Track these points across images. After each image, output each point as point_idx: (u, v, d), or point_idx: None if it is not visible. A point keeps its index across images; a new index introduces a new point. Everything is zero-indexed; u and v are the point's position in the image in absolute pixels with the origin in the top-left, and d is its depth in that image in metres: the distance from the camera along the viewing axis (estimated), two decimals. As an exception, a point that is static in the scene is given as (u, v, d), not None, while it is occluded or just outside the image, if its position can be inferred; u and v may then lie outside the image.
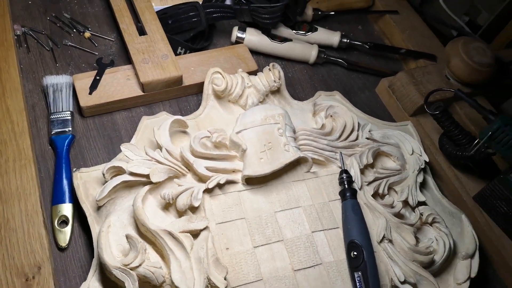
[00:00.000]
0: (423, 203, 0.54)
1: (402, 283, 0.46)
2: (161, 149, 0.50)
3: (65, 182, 0.51)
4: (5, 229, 0.46)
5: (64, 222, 0.49)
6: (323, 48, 0.70)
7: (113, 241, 0.45)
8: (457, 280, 0.50)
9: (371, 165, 0.56)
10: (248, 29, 0.67)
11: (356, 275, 0.44)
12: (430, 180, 0.58)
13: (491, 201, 0.55)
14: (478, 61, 0.61)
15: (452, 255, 0.51)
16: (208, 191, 0.49)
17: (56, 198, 0.50)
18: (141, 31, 0.62)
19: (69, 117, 0.56)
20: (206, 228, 0.45)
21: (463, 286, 0.49)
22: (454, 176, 0.59)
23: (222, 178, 0.49)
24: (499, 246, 0.54)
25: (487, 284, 0.54)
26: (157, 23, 0.63)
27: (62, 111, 0.56)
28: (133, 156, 0.49)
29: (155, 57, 0.59)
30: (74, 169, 0.51)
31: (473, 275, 0.50)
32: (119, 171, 0.48)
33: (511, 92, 0.74)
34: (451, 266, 0.51)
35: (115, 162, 0.49)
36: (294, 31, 0.70)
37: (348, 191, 0.50)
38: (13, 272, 0.44)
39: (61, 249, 0.48)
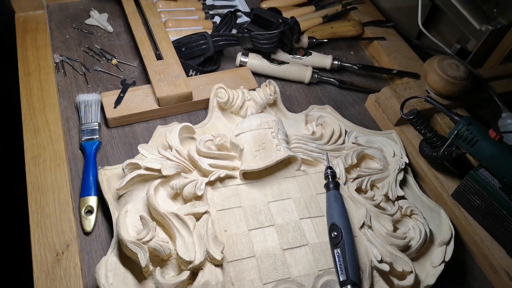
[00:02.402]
0: (402, 198, 0.61)
1: (379, 262, 0.52)
2: (171, 149, 0.59)
3: (91, 179, 0.60)
4: (41, 214, 0.55)
5: (89, 211, 0.58)
6: (317, 69, 0.79)
7: (129, 223, 0.53)
8: (433, 264, 0.55)
9: (356, 166, 0.63)
10: (250, 54, 0.78)
11: (335, 252, 0.50)
12: (411, 180, 0.65)
13: (466, 196, 0.60)
14: (452, 75, 0.68)
15: (428, 242, 0.57)
16: (210, 183, 0.57)
17: (84, 192, 0.59)
18: (159, 57, 0.74)
19: (97, 127, 0.66)
20: (207, 212, 0.53)
21: (438, 269, 0.54)
22: (434, 176, 0.66)
23: (222, 172, 0.58)
24: (475, 238, 0.60)
25: (467, 272, 0.59)
26: (172, 50, 0.74)
27: (91, 122, 0.66)
28: (147, 154, 0.58)
29: (169, 77, 0.70)
30: (99, 167, 0.60)
31: (447, 259, 0.55)
32: (136, 167, 0.58)
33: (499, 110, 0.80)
34: (429, 253, 0.57)
35: (133, 160, 0.58)
36: (291, 55, 0.80)
37: (331, 183, 0.57)
38: (46, 248, 0.52)
39: (86, 233, 0.56)
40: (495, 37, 0.88)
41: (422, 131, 0.64)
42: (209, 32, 0.79)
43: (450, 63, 0.70)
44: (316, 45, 0.85)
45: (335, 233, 0.52)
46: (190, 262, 0.48)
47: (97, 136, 0.65)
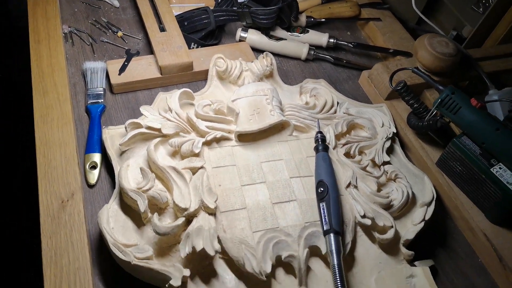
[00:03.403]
0: (388, 163, 0.64)
1: (362, 217, 0.56)
2: (171, 112, 0.63)
3: (96, 137, 0.64)
4: (48, 166, 0.59)
5: (93, 167, 0.62)
6: (314, 47, 0.83)
7: (130, 176, 0.57)
8: (413, 222, 0.58)
9: (346, 134, 0.67)
10: (250, 30, 0.81)
11: (321, 205, 0.54)
12: (398, 149, 0.68)
13: (448, 163, 0.64)
14: (441, 51, 0.71)
15: (410, 203, 0.60)
16: (207, 143, 0.61)
17: (88, 149, 0.63)
18: (162, 30, 0.77)
19: (102, 92, 0.70)
20: (202, 167, 0.57)
21: (418, 226, 0.57)
22: (420, 146, 0.69)
23: (218, 133, 0.61)
24: (457, 203, 0.63)
25: (448, 234, 0.62)
26: (175, 23, 0.78)
27: (97, 88, 0.70)
28: (149, 114, 0.62)
29: (171, 48, 0.73)
30: (103, 127, 0.64)
31: (427, 217, 0.58)
32: (138, 126, 0.61)
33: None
34: (410, 213, 0.60)
35: (135, 119, 0.62)
36: (289, 33, 0.83)
37: (320, 146, 0.61)
38: (53, 196, 0.56)
39: (90, 186, 0.60)
40: (489, 23, 0.91)
41: (410, 102, 0.67)
42: (212, 7, 0.82)
43: (440, 40, 0.73)
44: (314, 25, 0.88)
45: (322, 189, 0.55)
46: (186, 209, 0.52)
47: (102, 100, 0.69)
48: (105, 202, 0.59)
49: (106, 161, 0.62)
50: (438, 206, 0.62)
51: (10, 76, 1.32)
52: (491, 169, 0.58)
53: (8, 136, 1.25)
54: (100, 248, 0.54)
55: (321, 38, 0.84)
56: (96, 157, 0.62)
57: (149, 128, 0.60)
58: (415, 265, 0.55)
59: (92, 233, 0.56)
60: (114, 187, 0.59)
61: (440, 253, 0.60)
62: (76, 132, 0.65)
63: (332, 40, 0.84)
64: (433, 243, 0.61)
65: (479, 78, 0.78)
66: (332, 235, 0.51)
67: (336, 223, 0.52)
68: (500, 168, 0.58)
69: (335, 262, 0.49)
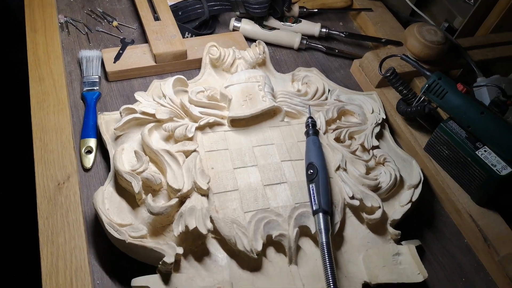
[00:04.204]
0: (377, 148, 0.66)
1: (351, 198, 0.57)
2: (165, 98, 0.64)
3: (91, 123, 0.65)
4: (44, 150, 0.60)
5: (89, 151, 0.63)
6: (306, 36, 0.84)
7: (125, 159, 0.58)
8: (400, 203, 0.60)
9: (337, 120, 0.68)
10: (243, 20, 0.83)
11: (310, 186, 0.56)
12: (388, 135, 0.70)
13: (436, 147, 0.65)
14: (429, 39, 0.73)
15: (398, 186, 0.62)
16: (200, 128, 0.62)
17: (84, 134, 0.64)
18: (156, 19, 0.78)
19: (97, 80, 0.71)
20: (195, 150, 0.59)
21: (405, 207, 0.59)
22: (409, 132, 0.71)
23: (211, 118, 0.63)
24: (444, 186, 0.65)
25: (436, 217, 0.64)
26: (169, 12, 0.79)
27: (92, 75, 0.72)
28: (143, 100, 0.63)
29: (166, 36, 0.75)
30: (98, 113, 0.65)
31: (414, 199, 0.60)
32: (132, 111, 0.63)
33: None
34: (398, 195, 0.62)
35: (129, 105, 0.63)
36: (282, 23, 0.85)
37: (311, 130, 0.62)
38: (49, 179, 0.58)
39: (86, 170, 0.62)
40: (480, 14, 0.92)
41: (399, 88, 0.68)
42: (205, -3, 0.83)
43: (428, 29, 0.75)
44: (307, 15, 0.89)
45: (311, 171, 0.57)
46: (179, 190, 0.54)
47: (97, 88, 0.70)
48: (100, 185, 0.60)
49: (102, 146, 0.64)
50: (425, 189, 0.63)
51: (7, 65, 1.34)
52: (476, 152, 0.60)
53: (5, 121, 1.28)
54: (96, 229, 0.56)
55: (314, 28, 0.85)
56: (92, 142, 0.63)
57: (143, 113, 0.62)
58: (402, 245, 0.56)
59: (88, 215, 0.57)
60: (109, 171, 0.60)
61: (428, 234, 0.62)
62: (72, 118, 0.67)
63: (324, 30, 0.85)
64: (421, 225, 0.63)
65: (467, 66, 0.80)
66: (321, 214, 0.53)
67: (325, 203, 0.54)
68: (485, 151, 0.60)
69: (324, 240, 0.51)
